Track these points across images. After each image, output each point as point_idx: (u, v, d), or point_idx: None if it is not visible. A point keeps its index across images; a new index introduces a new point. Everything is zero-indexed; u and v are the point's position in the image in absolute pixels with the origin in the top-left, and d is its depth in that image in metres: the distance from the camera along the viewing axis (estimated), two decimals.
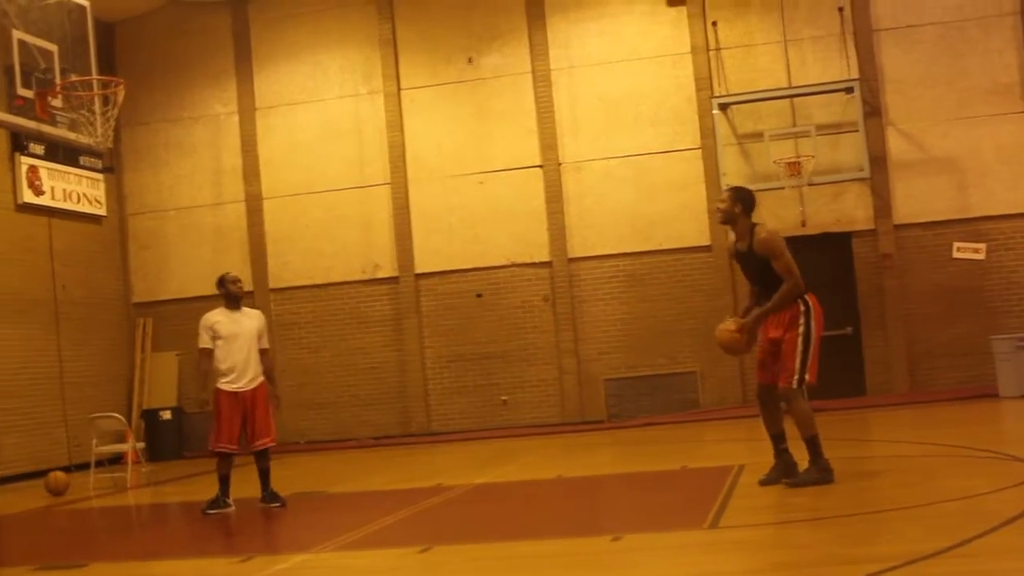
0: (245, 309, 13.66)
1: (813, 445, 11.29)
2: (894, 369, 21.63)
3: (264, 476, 13.49)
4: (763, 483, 11.55)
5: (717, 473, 13.10)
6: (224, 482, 13.36)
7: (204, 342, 13.39)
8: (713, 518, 10.09)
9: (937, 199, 21.69)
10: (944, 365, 21.52)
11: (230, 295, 13.50)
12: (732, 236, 11.82)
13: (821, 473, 11.24)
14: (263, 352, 13.53)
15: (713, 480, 12.48)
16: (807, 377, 11.17)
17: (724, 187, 21.14)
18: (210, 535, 12.42)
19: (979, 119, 21.66)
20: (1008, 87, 21.68)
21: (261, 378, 13.46)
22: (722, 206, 11.62)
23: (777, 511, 10.45)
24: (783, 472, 11.49)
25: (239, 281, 13.64)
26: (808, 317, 11.17)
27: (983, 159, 21.57)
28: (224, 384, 13.28)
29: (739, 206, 11.50)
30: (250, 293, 23.45)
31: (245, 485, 14.10)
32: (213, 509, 13.26)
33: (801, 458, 11.44)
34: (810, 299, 11.25)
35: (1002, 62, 21.72)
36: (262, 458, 13.46)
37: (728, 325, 11.59)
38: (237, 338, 13.30)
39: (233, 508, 13.36)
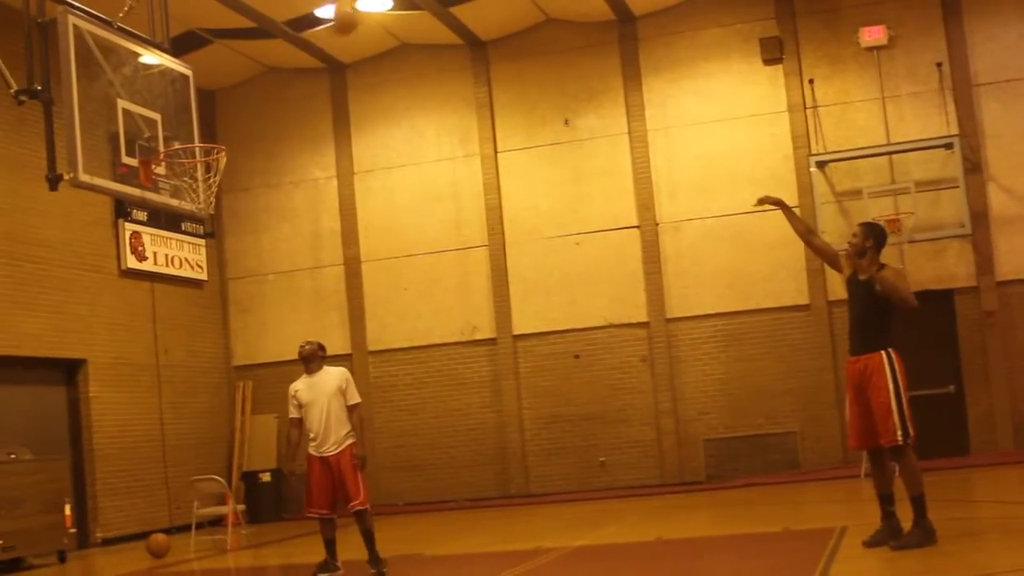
0: (327, 368, 13.43)
1: (919, 504, 11.12)
2: (998, 427, 21.27)
3: (366, 539, 13.27)
4: (868, 544, 11.38)
5: (819, 535, 12.93)
6: (329, 545, 13.32)
7: (291, 412, 13.38)
8: None
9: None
10: None
11: (303, 358, 13.39)
12: (847, 270, 11.83)
13: (926, 534, 11.06)
14: (351, 408, 13.31)
15: (816, 542, 12.32)
16: (911, 431, 11.05)
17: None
18: None
19: None
20: None
21: (350, 441, 13.24)
22: (854, 240, 11.64)
23: (883, 574, 10.28)
24: (888, 535, 11.31)
25: (308, 344, 13.45)
26: (894, 369, 11.15)
27: None
28: (311, 449, 13.23)
29: (870, 240, 11.55)
30: (348, 356, 23.68)
31: (352, 547, 13.98)
32: (322, 573, 13.20)
33: (907, 520, 11.25)
34: (894, 353, 11.18)
35: None
36: (360, 520, 13.26)
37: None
38: (315, 403, 13.17)
39: (341, 571, 13.26)
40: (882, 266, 11.45)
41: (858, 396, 11.39)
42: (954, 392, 21.42)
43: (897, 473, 11.41)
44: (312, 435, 13.21)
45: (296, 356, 13.53)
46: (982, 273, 21.48)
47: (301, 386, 13.38)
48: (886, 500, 11.47)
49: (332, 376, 13.38)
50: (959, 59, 21.92)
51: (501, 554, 14.53)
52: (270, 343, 24.43)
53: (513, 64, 23.99)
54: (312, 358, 13.39)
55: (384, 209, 24.43)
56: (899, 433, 11.04)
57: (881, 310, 11.28)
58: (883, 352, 11.22)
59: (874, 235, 11.61)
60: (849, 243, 11.77)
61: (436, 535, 18.11)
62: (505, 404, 23.41)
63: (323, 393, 13.22)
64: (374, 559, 13.23)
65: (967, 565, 10.11)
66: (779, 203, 12.37)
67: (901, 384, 11.13)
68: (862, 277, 11.50)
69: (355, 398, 13.39)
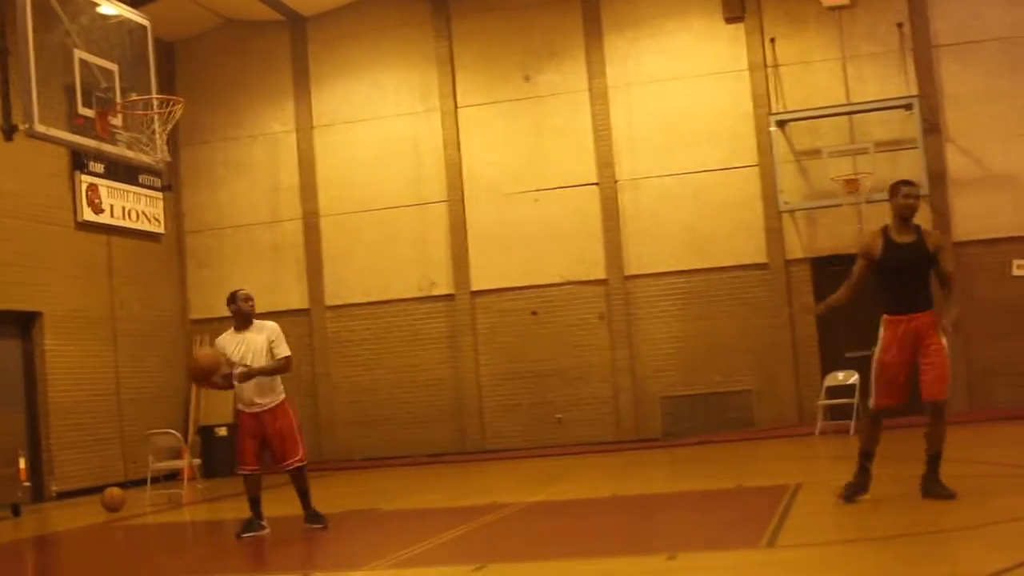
0: (257, 323, 12.96)
1: (938, 461, 11.44)
2: (953, 387, 21.25)
3: (302, 496, 13.07)
4: (846, 498, 11.34)
5: (774, 492, 13.00)
6: (254, 504, 12.96)
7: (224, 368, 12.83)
8: (770, 537, 10.00)
9: (997, 216, 21.46)
10: (1003, 383, 21.27)
11: (241, 313, 12.93)
12: (870, 234, 11.54)
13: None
14: (282, 360, 12.91)
15: (770, 499, 12.38)
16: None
17: (783, 203, 21.10)
18: (265, 552, 12.42)
19: None
20: None
21: (281, 397, 12.97)
22: (914, 200, 11.22)
23: (835, 530, 10.37)
24: (862, 487, 11.42)
25: (251, 299, 13.02)
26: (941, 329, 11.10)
27: None
28: (242, 406, 12.93)
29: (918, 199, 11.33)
30: (306, 311, 23.66)
31: (293, 503, 13.81)
32: (248, 532, 12.89)
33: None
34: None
35: None
36: (296, 478, 13.04)
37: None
38: (243, 360, 12.72)
39: (268, 530, 12.99)
40: (917, 225, 11.24)
41: (909, 356, 11.26)
42: None
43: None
44: (244, 391, 12.82)
45: (256, 310, 13.11)
46: (939, 232, 21.52)
47: (228, 341, 12.89)
48: (871, 457, 11.62)
49: (262, 331, 12.92)
50: (920, 20, 21.96)
51: (456, 509, 14.54)
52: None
53: (475, 19, 23.88)
54: (251, 316, 12.98)
55: (343, 164, 24.33)
56: (946, 386, 11.26)
57: (928, 271, 11.12)
58: (932, 311, 11.12)
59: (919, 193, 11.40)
60: (911, 204, 11.20)
61: (392, 490, 18.10)
62: (462, 360, 23.42)
63: (252, 351, 12.79)
64: (313, 515, 13.05)
65: (914, 523, 10.20)
66: (826, 307, 12.10)
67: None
68: (903, 239, 11.12)
69: (285, 351, 12.94)
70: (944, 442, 11.26)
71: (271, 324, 13.08)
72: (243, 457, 12.88)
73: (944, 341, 11.11)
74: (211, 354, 12.89)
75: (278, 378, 12.98)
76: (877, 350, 11.26)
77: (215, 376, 12.59)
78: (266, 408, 12.86)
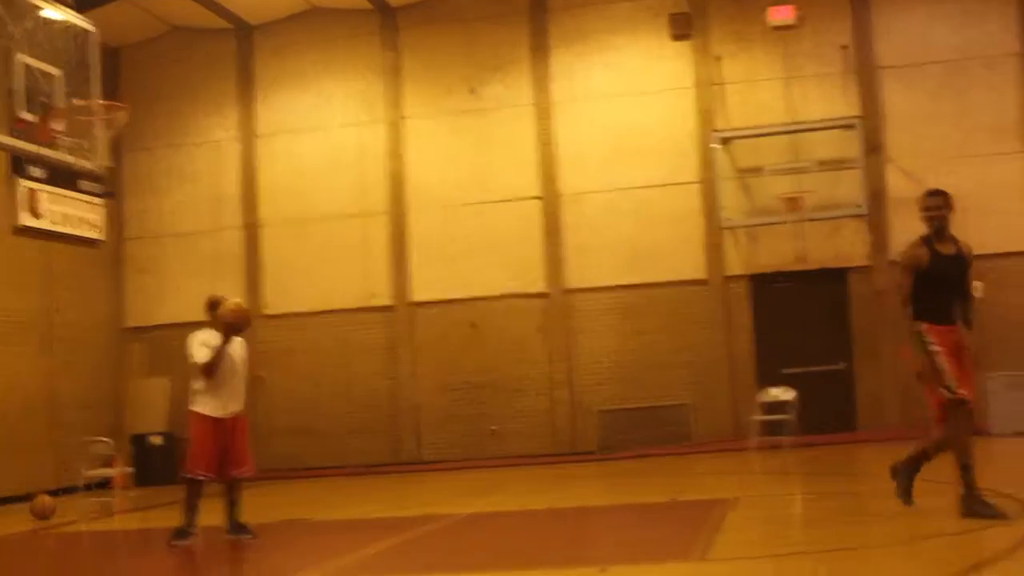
0: (233, 338, 12.98)
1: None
2: (886, 404, 21.53)
3: (234, 506, 12.94)
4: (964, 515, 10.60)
5: (708, 506, 13.01)
6: (194, 511, 12.74)
7: (204, 356, 12.70)
8: (702, 550, 9.99)
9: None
10: None
11: (240, 325, 12.92)
12: (912, 246, 11.08)
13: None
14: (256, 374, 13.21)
15: (703, 513, 12.38)
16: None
17: (724, 220, 21.18)
18: (194, 561, 12.32)
19: (982, 157, 21.61)
20: (1012, 126, 21.67)
21: (242, 408, 13.02)
22: (938, 211, 10.92)
23: (767, 545, 10.37)
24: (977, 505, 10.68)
25: (245, 310, 13.18)
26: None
27: (984, 197, 21.42)
28: (204, 409, 12.79)
29: (949, 208, 10.96)
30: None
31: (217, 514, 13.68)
32: (181, 540, 12.69)
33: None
34: None
35: (1005, 101, 21.72)
36: (236, 488, 12.94)
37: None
38: (228, 367, 12.80)
39: (198, 538, 12.78)
40: (954, 237, 11.03)
41: (959, 361, 10.85)
42: (844, 369, 21.70)
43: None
44: (215, 396, 12.77)
45: (194, 318, 13.15)
46: (876, 252, 21.73)
47: (217, 342, 12.75)
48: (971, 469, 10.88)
49: (241, 346, 13.07)
50: (863, 42, 22.17)
51: (390, 520, 14.47)
52: (166, 305, 24.13)
53: (422, 31, 23.88)
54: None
55: (287, 173, 24.24)
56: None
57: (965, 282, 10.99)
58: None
59: (951, 203, 10.99)
60: (936, 216, 10.90)
61: (326, 500, 18.03)
62: (400, 371, 23.37)
63: (236, 359, 12.94)
64: (240, 526, 12.90)
65: (847, 538, 10.23)
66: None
67: None
68: (945, 251, 10.90)
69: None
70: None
71: (242, 340, 13.14)
72: (201, 462, 12.67)
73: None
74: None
75: (242, 387, 13.01)
76: (932, 347, 10.70)
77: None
78: (231, 415, 12.87)
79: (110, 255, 24.23)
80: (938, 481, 13.71)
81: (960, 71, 21.92)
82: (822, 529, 10.72)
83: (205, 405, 12.82)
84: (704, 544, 10.30)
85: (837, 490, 13.06)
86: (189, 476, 12.76)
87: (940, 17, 22.17)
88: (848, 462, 18.06)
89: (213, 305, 13.07)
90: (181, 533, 12.72)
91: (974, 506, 10.48)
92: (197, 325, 13.10)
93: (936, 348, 10.63)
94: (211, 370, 12.70)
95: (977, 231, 21.26)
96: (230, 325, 12.81)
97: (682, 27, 22.79)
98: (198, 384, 12.85)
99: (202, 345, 12.77)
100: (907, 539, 9.81)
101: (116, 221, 24.46)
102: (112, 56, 24.01)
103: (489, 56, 23.65)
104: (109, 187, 23.26)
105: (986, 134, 21.77)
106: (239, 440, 12.94)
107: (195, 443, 12.83)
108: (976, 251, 20.75)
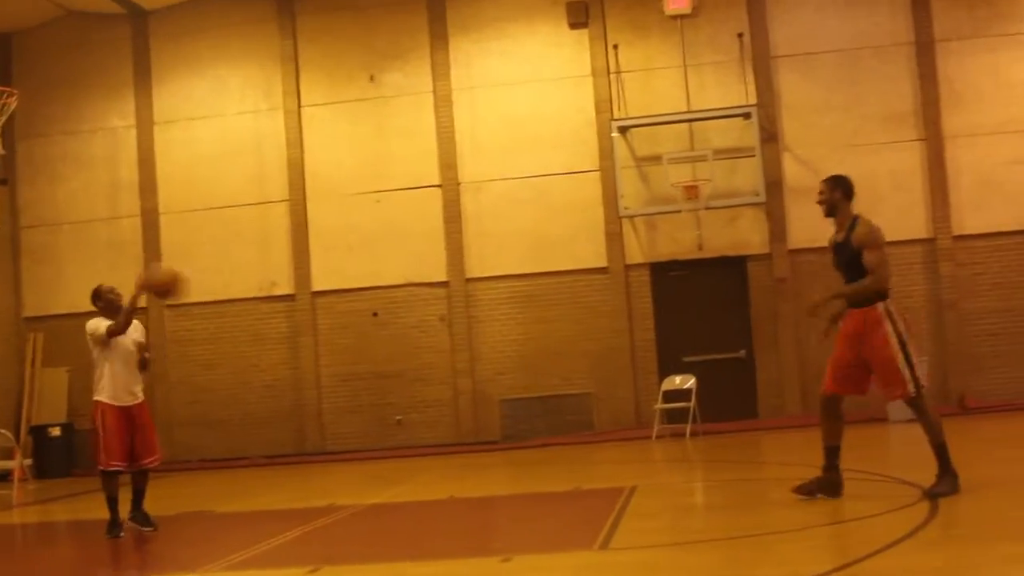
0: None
1: (943, 452, 10.93)
2: (786, 392, 21.82)
3: (140, 496, 13.00)
4: (800, 492, 11.17)
5: (609, 494, 13.12)
6: (115, 503, 12.78)
7: (102, 340, 12.71)
8: (604, 539, 10.11)
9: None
10: None
11: (111, 305, 12.92)
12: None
13: (953, 481, 10.86)
14: (142, 361, 13.03)
15: (605, 501, 12.49)
16: (923, 382, 10.98)
17: (623, 208, 21.30)
18: (94, 555, 12.24)
19: (874, 146, 21.95)
20: (903, 115, 22.00)
21: (142, 396, 13.02)
22: (821, 196, 11.45)
23: (667, 533, 10.49)
24: (824, 487, 11.16)
25: (116, 290, 13.06)
26: (894, 321, 10.99)
27: (877, 185, 21.77)
28: (108, 398, 12.78)
29: (839, 192, 11.36)
30: (144, 309, 23.20)
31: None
32: (117, 532, 12.69)
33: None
34: (892, 307, 11.10)
35: (897, 91, 22.04)
36: (143, 477, 13.00)
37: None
38: (120, 354, 12.77)
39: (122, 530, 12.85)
40: (856, 216, 11.38)
41: (852, 344, 11.16)
42: (745, 357, 21.92)
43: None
44: (115, 384, 12.75)
45: (91, 308, 13.05)
46: (775, 240, 21.97)
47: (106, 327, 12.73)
48: (833, 452, 11.26)
49: (136, 329, 13.01)
50: (759, 30, 22.37)
51: (293, 511, 14.44)
52: (64, 294, 23.82)
53: (320, 18, 23.75)
54: (120, 306, 12.89)
55: (185, 161, 24.02)
56: (910, 385, 10.88)
57: (860, 267, 11.20)
58: (880, 304, 11.09)
59: (841, 185, 11.42)
60: (819, 201, 11.57)
61: (229, 492, 17.95)
62: (303, 361, 23.28)
63: (126, 345, 12.85)
64: (143, 516, 12.96)
65: (745, 526, 10.36)
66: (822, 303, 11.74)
67: (905, 335, 10.98)
68: (838, 238, 11.39)
69: (147, 349, 13.17)
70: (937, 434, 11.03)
71: (138, 323, 13.07)
72: (113, 453, 12.65)
73: (890, 335, 11.06)
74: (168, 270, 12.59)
75: (138, 371, 12.93)
76: (905, 334, 11.05)
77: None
78: (135, 403, 12.87)
79: (5, 244, 23.92)
80: (857, 470, 13.97)
81: (852, 61, 22.22)
82: (723, 516, 10.89)
83: (108, 393, 12.78)
84: (607, 532, 10.43)
85: (738, 477, 13.23)
86: (103, 469, 12.73)
87: (833, 7, 22.40)
88: (749, 449, 18.28)
89: (97, 296, 13.06)
90: (114, 525, 12.71)
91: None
92: (94, 315, 12.99)
93: (907, 340, 11.05)
94: (120, 328, 12.64)
95: (871, 219, 21.72)
96: (162, 285, 12.86)
97: (579, 15, 22.85)
98: (99, 371, 12.81)
99: (92, 334, 12.74)
100: (804, 526, 9.97)
101: (11, 209, 24.14)
102: (4, 41, 23.72)
103: (388, 44, 23.58)
104: (3, 174, 23.00)
105: (878, 123, 22.09)
106: (146, 428, 12.98)
107: (105, 434, 12.72)
108: None
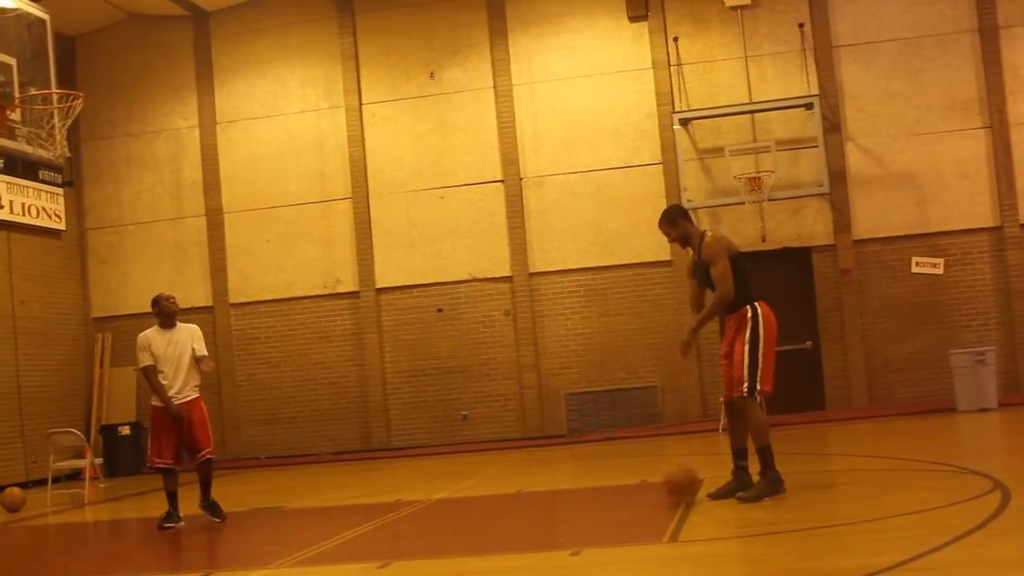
0: (180, 325, 13.63)
1: (765, 456, 11.33)
2: (853, 383, 21.71)
3: (205, 486, 13.56)
4: (713, 497, 11.57)
5: None
6: (173, 497, 13.40)
7: (145, 360, 13.43)
8: (672, 532, 10.08)
9: (896, 214, 21.80)
10: (902, 379, 21.61)
11: (165, 313, 13.53)
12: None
13: (771, 485, 11.29)
14: (200, 358, 13.50)
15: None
16: (759, 386, 11.19)
17: (687, 201, 21.27)
18: (167, 551, 12.34)
19: (937, 135, 21.79)
20: (966, 103, 21.82)
21: (197, 393, 13.56)
22: (668, 236, 11.90)
23: (736, 525, 10.44)
24: (737, 487, 11.49)
25: (173, 298, 13.70)
26: (756, 323, 11.21)
27: (941, 174, 21.69)
28: (157, 400, 13.37)
29: (678, 221, 11.83)
30: (210, 308, 23.47)
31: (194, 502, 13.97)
32: (168, 524, 13.28)
33: (757, 475, 11.45)
34: (760, 306, 11.29)
35: (960, 78, 21.86)
36: (205, 468, 13.52)
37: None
38: (171, 357, 13.37)
39: (183, 523, 13.36)
40: (703, 233, 11.69)
41: (729, 350, 11.50)
42: (811, 348, 21.81)
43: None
44: (168, 387, 13.29)
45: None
46: (839, 231, 21.86)
47: (156, 337, 13.44)
48: (738, 455, 11.65)
49: (188, 332, 13.57)
50: (820, 20, 22.25)
51: (361, 507, 14.53)
52: (130, 295, 24.08)
53: (379, 15, 23.83)
54: (176, 313, 13.61)
55: (247, 160, 24.18)
56: (745, 386, 11.21)
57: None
58: (748, 307, 11.31)
59: (670, 217, 11.90)
60: (670, 241, 12.14)
61: (297, 488, 18.03)
62: (367, 357, 23.36)
63: (179, 349, 13.40)
64: (212, 505, 13.51)
65: (814, 517, 10.30)
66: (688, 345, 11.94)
67: (762, 339, 11.21)
68: (695, 257, 11.74)
69: (204, 350, 13.62)
70: (759, 438, 11.43)
71: (193, 326, 13.76)
72: (160, 452, 13.27)
73: (747, 335, 11.37)
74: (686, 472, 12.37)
75: (196, 375, 13.48)
76: (765, 335, 11.28)
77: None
78: (185, 401, 13.33)
79: (73, 245, 24.15)
80: (903, 458, 13.87)
81: (914, 49, 22.08)
82: (791, 508, 10.80)
83: (156, 397, 13.42)
84: (675, 525, 10.38)
85: (805, 469, 13.15)
86: (151, 466, 13.51)
87: None
88: (816, 441, 18.18)
89: (155, 302, 13.67)
90: (169, 518, 13.33)
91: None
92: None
93: (767, 341, 11.40)
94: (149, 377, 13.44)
95: (933, 209, 21.61)
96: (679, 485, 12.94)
97: (638, 8, 22.82)
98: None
99: (141, 350, 13.47)
100: (873, 517, 9.90)
101: (78, 211, 24.38)
102: (67, 45, 23.89)
103: (447, 40, 23.64)
104: (68, 176, 23.17)
105: (941, 111, 21.93)
106: (196, 424, 13.40)
107: (153, 434, 13.45)
108: (933, 228, 21.25)
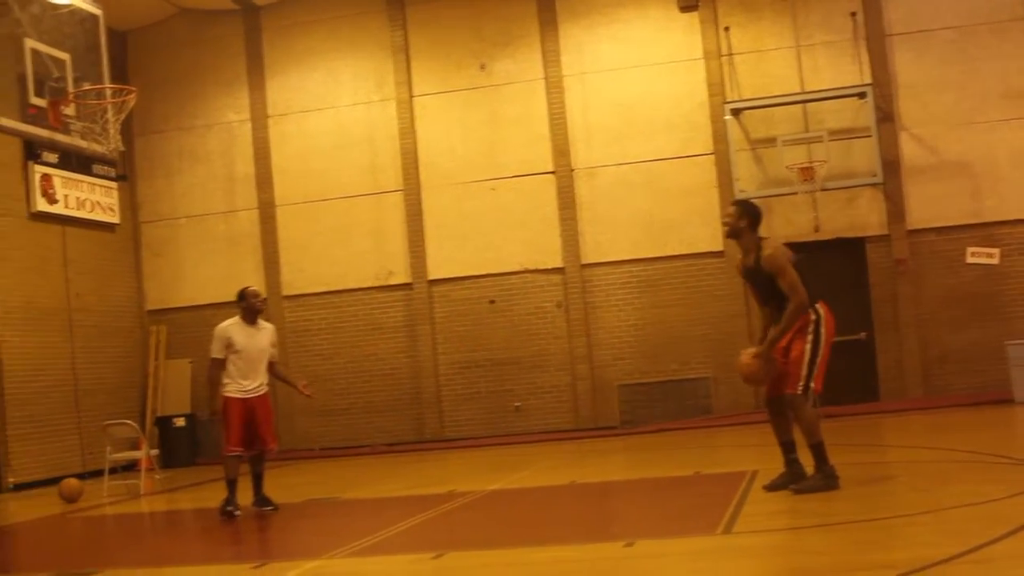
0: (260, 322, 13.92)
1: (818, 452, 11.33)
2: (908, 374, 21.58)
3: (259, 480, 13.90)
4: (769, 488, 11.57)
5: (730, 479, 13.09)
6: (233, 485, 13.62)
7: (217, 352, 13.66)
8: (726, 524, 10.07)
9: (951, 204, 21.64)
10: (958, 370, 21.45)
11: (251, 309, 13.81)
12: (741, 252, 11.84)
13: (826, 480, 11.28)
14: (272, 364, 13.96)
15: (726, 486, 12.45)
16: (813, 385, 11.20)
17: (739, 191, 21.18)
18: (222, 541, 12.44)
19: (992, 124, 21.61)
20: (1021, 92, 21.60)
21: (266, 387, 13.88)
22: (728, 220, 11.74)
23: (790, 517, 10.42)
24: (790, 479, 11.49)
25: (261, 296, 14.01)
26: (818, 326, 11.22)
27: (997, 164, 21.52)
28: (233, 392, 13.60)
29: (744, 220, 11.59)
30: (264, 299, 23.49)
31: (246, 492, 14.12)
32: (230, 507, 13.53)
33: (810, 466, 11.41)
34: (821, 308, 11.28)
35: (1015, 67, 21.65)
36: (259, 462, 13.88)
37: (746, 355, 11.57)
38: (251, 351, 13.67)
39: (240, 512, 13.58)
40: (760, 240, 11.55)
41: (781, 351, 11.46)
42: (865, 339, 21.69)
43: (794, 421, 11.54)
44: (243, 379, 13.63)
45: (212, 299, 13.93)
46: (893, 221, 21.72)
47: (237, 331, 13.71)
48: (787, 447, 11.68)
49: (267, 332, 13.98)
50: (873, 9, 22.09)
51: (415, 498, 14.56)
52: (184, 288, 24.26)
53: (430, 7, 23.86)
54: (261, 311, 14.00)
55: (299, 153, 24.28)
56: (800, 385, 11.22)
57: (779, 286, 11.33)
58: (809, 310, 11.28)
59: (748, 214, 11.65)
60: (724, 223, 11.92)
61: (350, 479, 18.11)
62: (420, 349, 23.41)
63: (260, 345, 13.78)
64: (264, 498, 13.86)
65: (870, 509, 10.26)
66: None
67: (823, 341, 11.24)
68: (747, 262, 11.62)
69: (277, 356, 14.14)
70: (812, 435, 11.39)
71: (271, 327, 14.21)
72: (231, 439, 13.57)
73: (806, 340, 11.39)
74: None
75: (265, 369, 13.86)
76: (826, 337, 11.25)
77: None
78: (255, 395, 13.71)
79: (127, 238, 24.32)
80: (959, 450, 13.80)
81: (968, 37, 21.86)
82: (846, 500, 10.76)
83: (231, 387, 13.69)
84: (729, 517, 10.38)
85: (860, 460, 13.10)
86: (227, 454, 13.70)
87: None
88: (871, 433, 18.09)
89: (241, 296, 13.93)
90: (227, 503, 13.60)
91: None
92: (214, 307, 13.75)
93: (827, 340, 11.41)
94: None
95: (989, 198, 21.43)
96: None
97: None
98: (226, 368, 13.71)
99: (218, 340, 13.72)
100: (929, 509, 9.84)
101: (131, 204, 24.55)
102: (120, 40, 24.07)
103: (497, 31, 23.64)
104: (122, 171, 23.39)
105: (996, 100, 21.72)
106: (264, 417, 13.81)
107: (227, 424, 13.64)
108: (988, 218, 21.04)
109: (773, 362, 11.41)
